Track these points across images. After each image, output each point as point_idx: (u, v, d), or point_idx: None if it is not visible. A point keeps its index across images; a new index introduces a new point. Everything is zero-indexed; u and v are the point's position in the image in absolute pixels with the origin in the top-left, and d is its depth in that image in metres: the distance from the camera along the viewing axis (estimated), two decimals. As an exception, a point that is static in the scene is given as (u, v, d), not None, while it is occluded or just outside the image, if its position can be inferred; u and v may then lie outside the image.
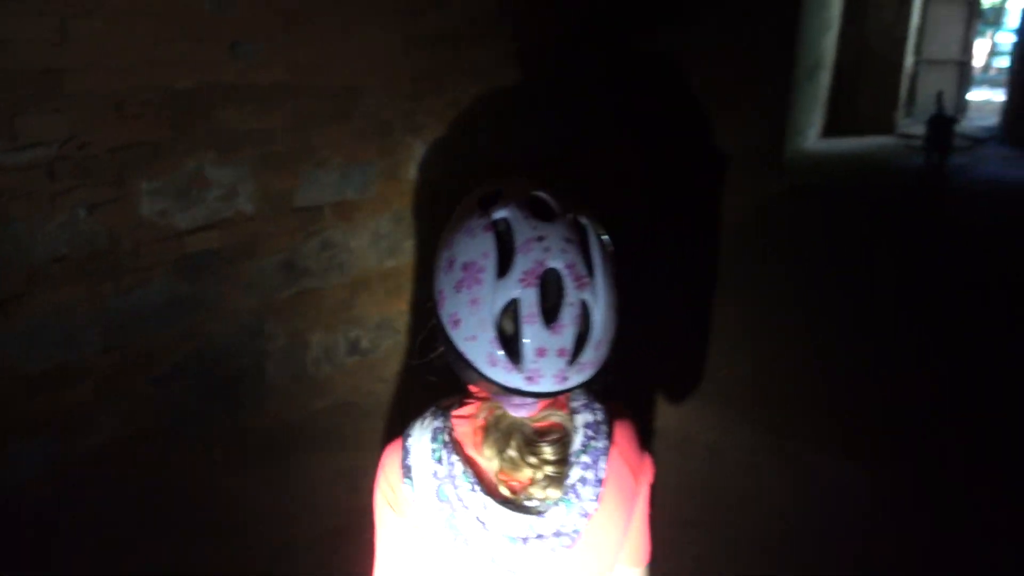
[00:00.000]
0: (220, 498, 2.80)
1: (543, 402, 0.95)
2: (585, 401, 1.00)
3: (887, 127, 11.17)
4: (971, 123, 11.87)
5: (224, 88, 2.97)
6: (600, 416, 0.99)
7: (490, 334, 0.86)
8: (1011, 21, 23.92)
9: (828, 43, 10.44)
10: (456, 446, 0.95)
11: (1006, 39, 20.06)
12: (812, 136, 10.56)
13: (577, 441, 0.96)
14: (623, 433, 1.03)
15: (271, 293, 3.30)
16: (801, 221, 6.72)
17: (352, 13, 3.37)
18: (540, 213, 0.89)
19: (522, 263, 0.85)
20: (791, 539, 2.67)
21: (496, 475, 0.94)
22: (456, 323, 0.88)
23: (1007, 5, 21.50)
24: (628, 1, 5.21)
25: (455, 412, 0.98)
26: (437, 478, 0.93)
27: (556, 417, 0.97)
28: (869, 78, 11.12)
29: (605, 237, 0.91)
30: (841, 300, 4.88)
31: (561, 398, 0.96)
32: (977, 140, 10.43)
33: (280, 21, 3.10)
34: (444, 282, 0.89)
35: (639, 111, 5.37)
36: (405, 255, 3.89)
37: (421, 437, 0.96)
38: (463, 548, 0.92)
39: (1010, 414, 3.49)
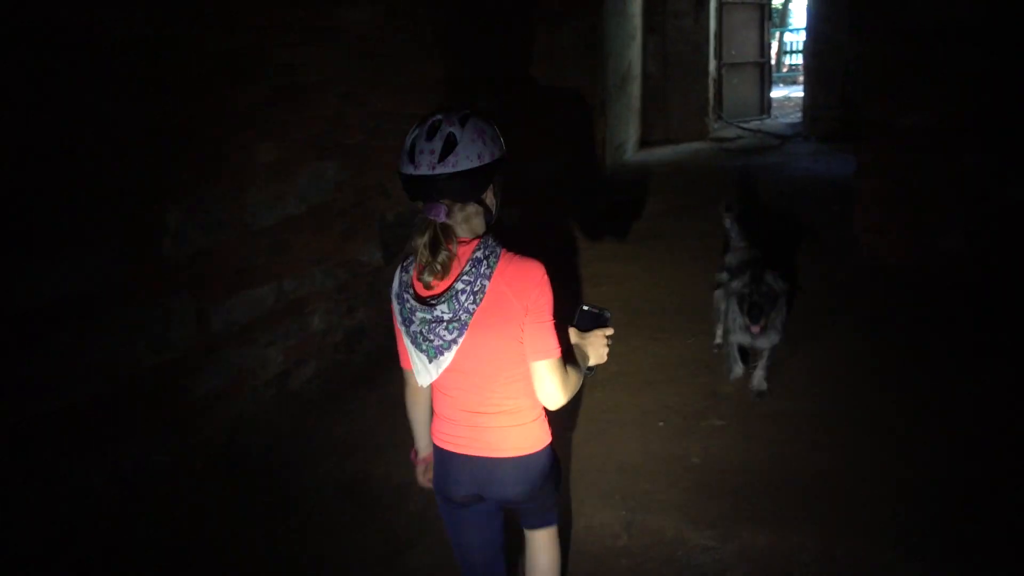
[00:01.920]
0: None
1: (446, 213, 1.75)
2: (489, 249, 1.78)
3: (700, 132, 11.18)
4: (776, 120, 12.17)
5: None
6: (492, 254, 1.77)
7: (404, 153, 1.76)
8: (796, 20, 25.60)
9: (634, 53, 10.30)
10: (408, 270, 1.85)
11: (792, 38, 21.37)
12: (631, 148, 10.36)
13: (468, 266, 1.75)
14: (512, 269, 1.77)
15: None
16: (620, 234, 6.32)
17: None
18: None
19: (420, 125, 1.76)
20: None
21: (417, 277, 1.80)
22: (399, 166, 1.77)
23: (791, 6, 22.95)
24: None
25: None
26: (398, 289, 1.86)
27: (454, 244, 1.77)
28: (677, 85, 11.10)
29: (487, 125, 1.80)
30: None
31: (462, 243, 1.78)
32: (785, 137, 10.61)
33: None
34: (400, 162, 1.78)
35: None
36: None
37: (397, 270, 1.89)
38: (408, 327, 1.82)
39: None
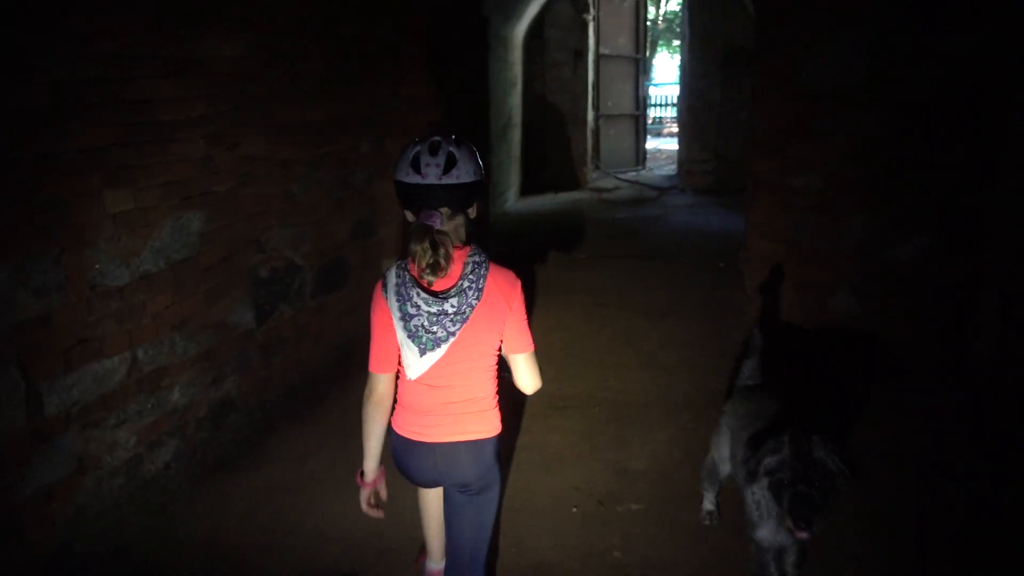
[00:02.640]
0: None
1: (441, 220, 2.00)
2: (479, 258, 2.04)
3: (579, 182, 11.22)
4: (651, 172, 12.42)
5: None
6: (484, 263, 2.04)
7: (407, 166, 2.02)
8: (658, 75, 26.70)
9: (515, 101, 10.21)
10: (406, 270, 2.03)
11: (655, 91, 22.26)
12: (512, 196, 10.21)
13: (469, 267, 2.01)
14: (499, 274, 2.05)
15: None
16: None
17: None
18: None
19: (421, 143, 2.04)
20: None
21: (419, 276, 1.99)
22: (397, 175, 2.05)
23: (653, 61, 23.91)
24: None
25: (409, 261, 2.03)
26: (396, 285, 2.02)
27: (450, 247, 1.98)
28: (556, 135, 11.12)
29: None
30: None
31: (456, 247, 2.03)
32: (662, 189, 10.79)
33: None
34: (397, 172, 2.06)
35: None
36: None
37: (390, 271, 2.06)
38: (408, 322, 1.99)
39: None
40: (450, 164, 1.99)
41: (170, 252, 3.53)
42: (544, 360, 2.25)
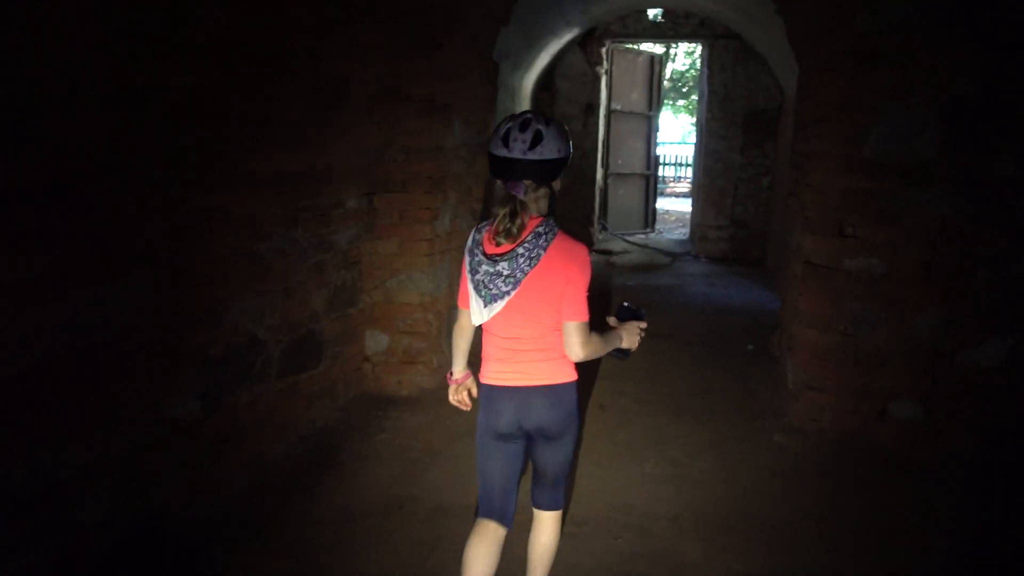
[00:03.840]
0: None
1: (524, 192, 2.22)
2: (549, 228, 2.25)
3: (584, 243, 10.53)
4: (660, 235, 11.75)
5: None
6: (550, 232, 2.24)
7: (498, 139, 2.22)
8: (662, 134, 26.34)
9: (521, 155, 9.58)
10: (481, 231, 2.33)
11: (660, 151, 21.75)
12: (514, 255, 9.50)
13: (531, 237, 2.21)
14: (563, 246, 2.24)
15: None
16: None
17: None
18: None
19: (514, 120, 2.25)
20: None
21: (493, 237, 2.26)
22: (489, 147, 2.26)
23: (658, 120, 23.49)
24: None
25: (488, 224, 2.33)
26: (473, 236, 2.35)
27: (526, 216, 2.23)
28: (564, 192, 10.46)
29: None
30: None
31: (532, 217, 2.25)
32: (674, 255, 10.10)
33: None
34: (489, 144, 2.27)
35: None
36: None
37: (474, 228, 2.38)
38: (474, 276, 2.30)
39: None
40: (536, 141, 2.21)
41: (90, 328, 2.75)
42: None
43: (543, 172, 2.23)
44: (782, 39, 8.12)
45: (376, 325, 4.93)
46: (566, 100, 10.35)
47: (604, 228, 11.11)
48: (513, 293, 2.23)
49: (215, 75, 3.28)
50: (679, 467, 4.07)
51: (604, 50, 10.30)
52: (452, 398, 2.64)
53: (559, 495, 2.55)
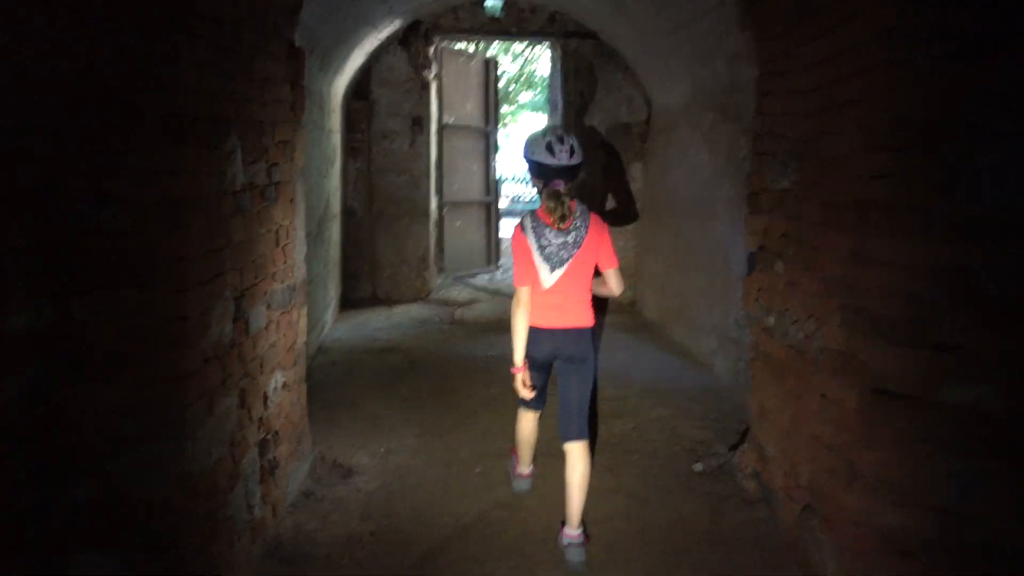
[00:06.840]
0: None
1: (564, 186, 3.22)
2: (582, 208, 3.28)
3: (419, 291, 8.39)
4: (508, 274, 9.81)
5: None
6: (585, 211, 3.30)
7: (543, 150, 3.25)
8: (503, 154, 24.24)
9: (334, 184, 7.30)
10: (536, 217, 3.28)
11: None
12: (331, 318, 7.19)
13: (578, 213, 3.25)
14: (595, 218, 3.31)
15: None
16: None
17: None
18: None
19: (550, 134, 3.30)
20: None
21: (549, 219, 3.23)
22: (534, 156, 3.29)
23: (496, 136, 21.52)
24: None
25: (539, 209, 3.32)
26: (531, 224, 3.28)
27: (570, 202, 3.24)
28: (388, 228, 8.27)
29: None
30: None
31: (572, 202, 3.26)
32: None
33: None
34: (534, 154, 3.29)
35: None
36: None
37: (525, 217, 3.33)
38: (544, 250, 3.24)
39: None
40: (572, 151, 3.22)
41: None
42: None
43: (575, 172, 3.26)
44: (664, 37, 6.36)
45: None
46: (387, 113, 8.17)
47: (441, 270, 9.02)
48: (574, 255, 3.22)
49: None
50: None
51: (432, 50, 8.24)
52: (519, 386, 3.38)
53: (584, 424, 3.35)
